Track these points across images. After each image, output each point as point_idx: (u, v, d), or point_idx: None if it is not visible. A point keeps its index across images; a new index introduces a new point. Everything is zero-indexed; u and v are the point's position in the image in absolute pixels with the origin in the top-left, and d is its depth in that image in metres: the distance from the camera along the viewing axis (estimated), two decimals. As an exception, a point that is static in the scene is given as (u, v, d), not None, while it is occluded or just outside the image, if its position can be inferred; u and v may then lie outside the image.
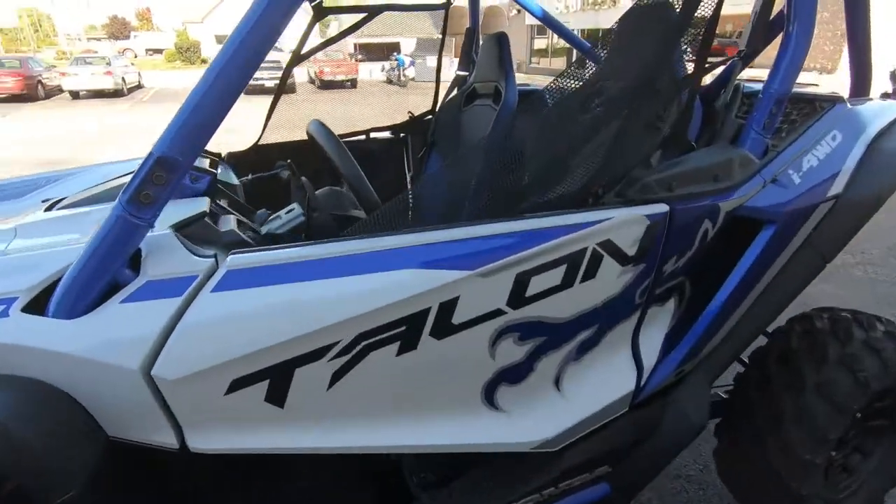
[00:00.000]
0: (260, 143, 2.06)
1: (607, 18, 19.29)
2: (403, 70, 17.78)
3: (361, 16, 2.04)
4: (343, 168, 1.01)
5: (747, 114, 1.21)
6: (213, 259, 0.80)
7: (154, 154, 0.73)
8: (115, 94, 15.58)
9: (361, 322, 0.83)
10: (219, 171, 1.93)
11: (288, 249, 0.83)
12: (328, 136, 1.06)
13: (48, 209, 1.19)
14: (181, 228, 0.92)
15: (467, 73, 2.37)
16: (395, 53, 18.97)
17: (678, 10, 1.03)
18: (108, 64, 15.94)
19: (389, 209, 0.91)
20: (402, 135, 2.44)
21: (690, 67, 1.20)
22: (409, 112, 2.41)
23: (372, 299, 0.82)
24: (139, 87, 18.24)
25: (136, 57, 35.33)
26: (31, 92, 14.76)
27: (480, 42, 2.32)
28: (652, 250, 1.02)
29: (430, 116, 2.42)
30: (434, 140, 2.30)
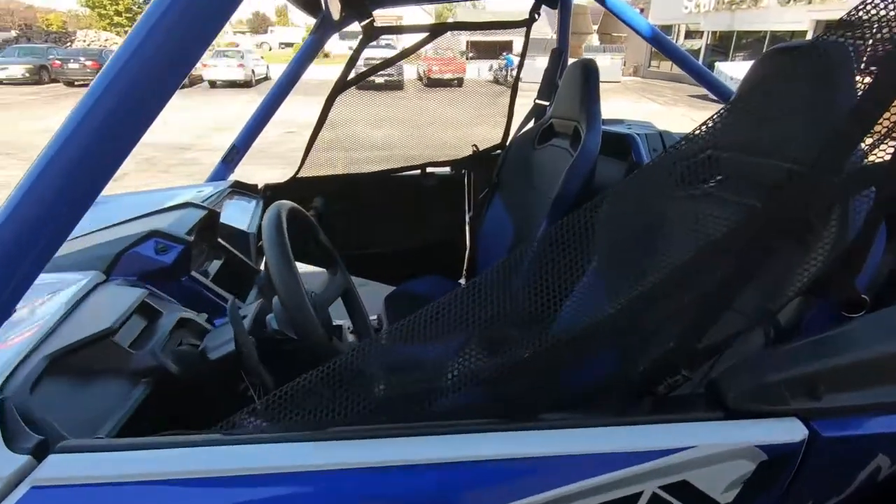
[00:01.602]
0: (299, 175, 1.85)
1: (744, 20, 17.11)
2: (511, 70, 17.35)
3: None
4: (279, 287, 0.69)
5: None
6: (28, 456, 0.53)
7: None
8: (245, 84, 17.09)
9: None
10: (254, 205, 1.75)
11: (123, 456, 0.53)
12: (275, 234, 0.75)
13: None
14: (61, 358, 0.68)
15: (548, 104, 1.96)
16: (504, 53, 18.52)
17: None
18: (242, 57, 17.57)
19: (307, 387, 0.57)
20: (463, 171, 2.10)
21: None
22: (474, 146, 2.06)
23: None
24: (266, 78, 19.81)
25: (270, 50, 38.64)
26: (178, 80, 16.64)
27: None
28: (765, 497, 0.59)
29: (498, 151, 2.06)
30: (499, 180, 1.93)
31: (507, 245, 1.86)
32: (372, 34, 1.61)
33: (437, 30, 1.69)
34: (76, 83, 16.39)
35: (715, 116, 0.63)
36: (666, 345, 0.63)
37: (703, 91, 1.99)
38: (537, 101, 2.02)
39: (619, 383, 0.62)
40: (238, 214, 1.59)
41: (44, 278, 0.97)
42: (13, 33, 24.66)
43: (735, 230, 0.57)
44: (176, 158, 7.65)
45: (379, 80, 1.87)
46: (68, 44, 23.05)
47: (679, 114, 12.13)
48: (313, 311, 0.69)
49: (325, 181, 1.89)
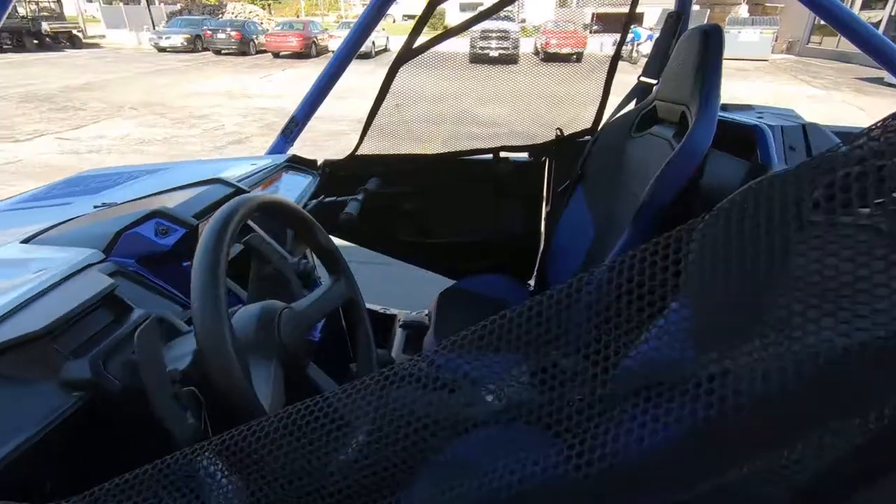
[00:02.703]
0: (358, 153, 1.72)
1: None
2: (637, 44, 15.84)
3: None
4: (192, 304, 0.52)
5: None
6: None
7: None
8: (366, 55, 17.71)
9: None
10: (308, 182, 1.66)
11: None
12: (209, 240, 0.58)
13: (26, 240, 1.02)
14: None
15: (655, 82, 1.60)
16: (633, 25, 17.02)
17: None
18: (365, 28, 18.19)
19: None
20: (543, 158, 1.83)
21: None
22: (558, 129, 1.76)
23: None
24: (385, 49, 20.34)
25: (394, 21, 39.65)
26: (307, 51, 17.74)
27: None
28: None
29: (587, 138, 1.75)
30: (584, 172, 1.65)
31: (585, 249, 1.58)
32: (439, -2, 1.40)
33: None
34: (222, 52, 18.20)
35: None
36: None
37: (878, 73, 1.49)
38: (642, 79, 1.66)
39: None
40: (285, 192, 1.49)
41: (39, 252, 0.94)
42: (178, 6, 27.99)
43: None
44: (292, 125, 8.09)
45: (493, 53, 1.66)
46: (220, 15, 25.61)
47: (839, 100, 10.15)
48: (231, 343, 0.53)
49: (387, 160, 1.74)
